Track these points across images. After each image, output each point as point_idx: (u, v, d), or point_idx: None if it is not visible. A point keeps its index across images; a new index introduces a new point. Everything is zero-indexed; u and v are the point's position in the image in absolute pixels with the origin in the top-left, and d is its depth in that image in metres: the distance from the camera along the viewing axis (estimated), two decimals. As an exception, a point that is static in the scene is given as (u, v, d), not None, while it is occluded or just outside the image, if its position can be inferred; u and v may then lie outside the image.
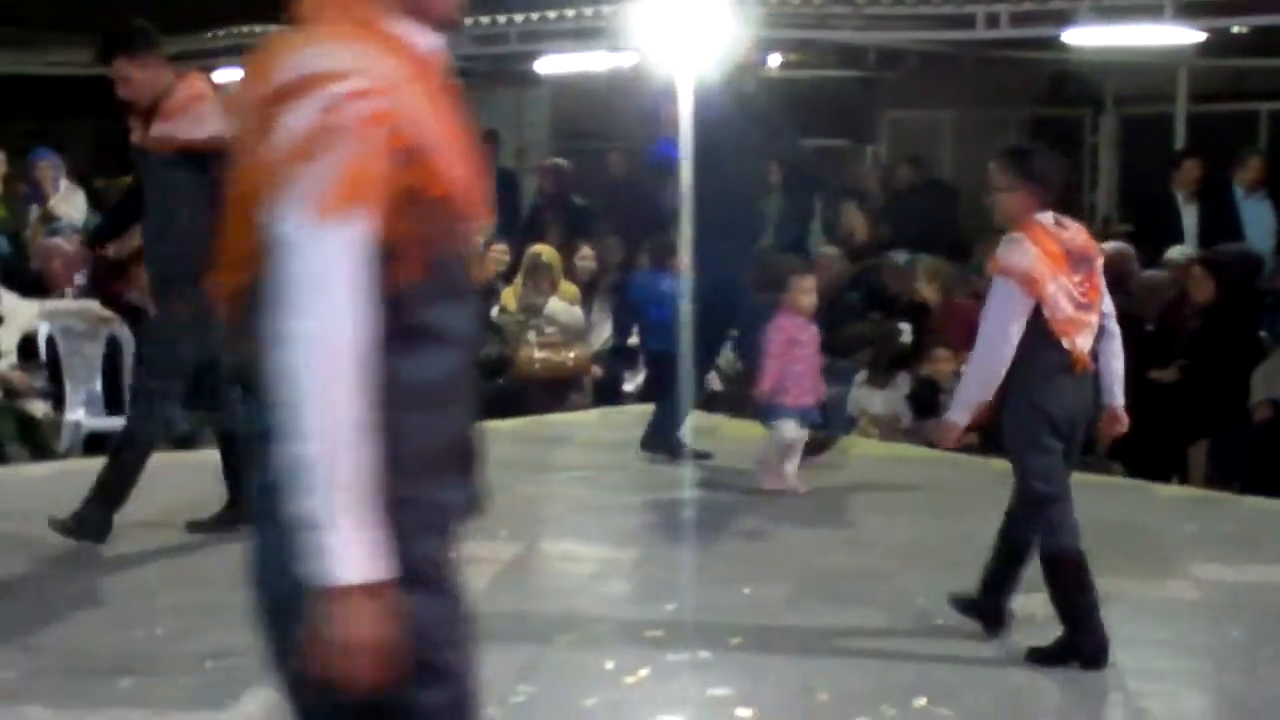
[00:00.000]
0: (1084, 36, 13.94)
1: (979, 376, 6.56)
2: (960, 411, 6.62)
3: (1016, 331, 6.43)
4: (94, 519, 8.08)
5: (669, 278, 13.38)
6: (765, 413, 9.70)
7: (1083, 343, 6.52)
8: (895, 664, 6.56)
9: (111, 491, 8.15)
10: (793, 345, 9.50)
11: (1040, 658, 6.59)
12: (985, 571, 6.93)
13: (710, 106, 10.05)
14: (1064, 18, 13.37)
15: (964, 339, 10.95)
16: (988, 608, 6.94)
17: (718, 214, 9.97)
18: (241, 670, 6.24)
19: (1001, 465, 10.42)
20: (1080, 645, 6.53)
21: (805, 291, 9.71)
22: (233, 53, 18.36)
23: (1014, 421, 6.60)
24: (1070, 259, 6.51)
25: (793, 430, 9.57)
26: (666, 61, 10.86)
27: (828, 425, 10.35)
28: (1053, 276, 6.43)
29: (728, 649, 6.68)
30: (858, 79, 19.90)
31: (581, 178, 17.70)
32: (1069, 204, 7.45)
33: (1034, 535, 6.63)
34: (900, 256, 13.10)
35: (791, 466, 9.63)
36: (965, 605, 7.02)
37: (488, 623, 6.94)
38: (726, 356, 13.25)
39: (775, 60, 19.76)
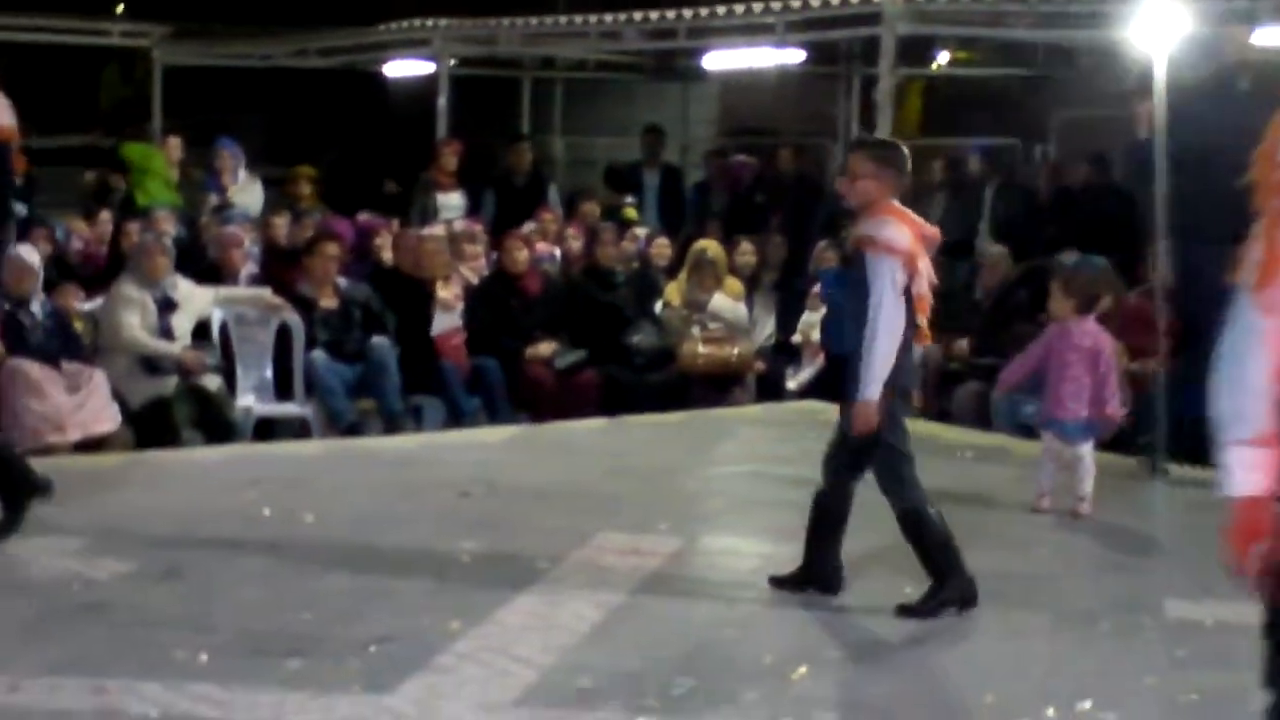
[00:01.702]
0: (1264, 36, 13.67)
1: (884, 350, 6.94)
2: (874, 388, 6.96)
3: (903, 305, 6.96)
4: None
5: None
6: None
7: (925, 320, 7.14)
8: (1059, 667, 6.49)
9: None
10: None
11: (912, 613, 7.03)
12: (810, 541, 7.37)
13: (1203, 105, 9.82)
14: (1244, 16, 13.12)
15: (1140, 337, 10.95)
16: (822, 570, 7.31)
17: (1209, 218, 9.73)
18: (404, 655, 6.34)
19: (1171, 469, 10.36)
20: (953, 591, 7.05)
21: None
22: (403, 46, 18.54)
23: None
24: (925, 243, 7.10)
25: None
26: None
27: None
28: (921, 256, 7.02)
29: (888, 647, 6.66)
30: (1027, 77, 19.72)
31: (747, 174, 17.67)
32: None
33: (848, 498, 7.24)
34: (1070, 257, 12.93)
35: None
36: (794, 581, 7.37)
37: (646, 616, 7.04)
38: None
39: (944, 58, 19.67)
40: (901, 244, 6.98)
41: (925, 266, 7.06)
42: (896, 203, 7.15)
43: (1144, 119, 10.09)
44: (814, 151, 20.76)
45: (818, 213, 16.37)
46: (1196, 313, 9.83)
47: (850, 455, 7.27)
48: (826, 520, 7.36)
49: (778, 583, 7.47)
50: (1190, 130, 9.76)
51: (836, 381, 13.00)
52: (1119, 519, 9.19)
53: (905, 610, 7.08)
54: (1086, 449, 9.19)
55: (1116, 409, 9.35)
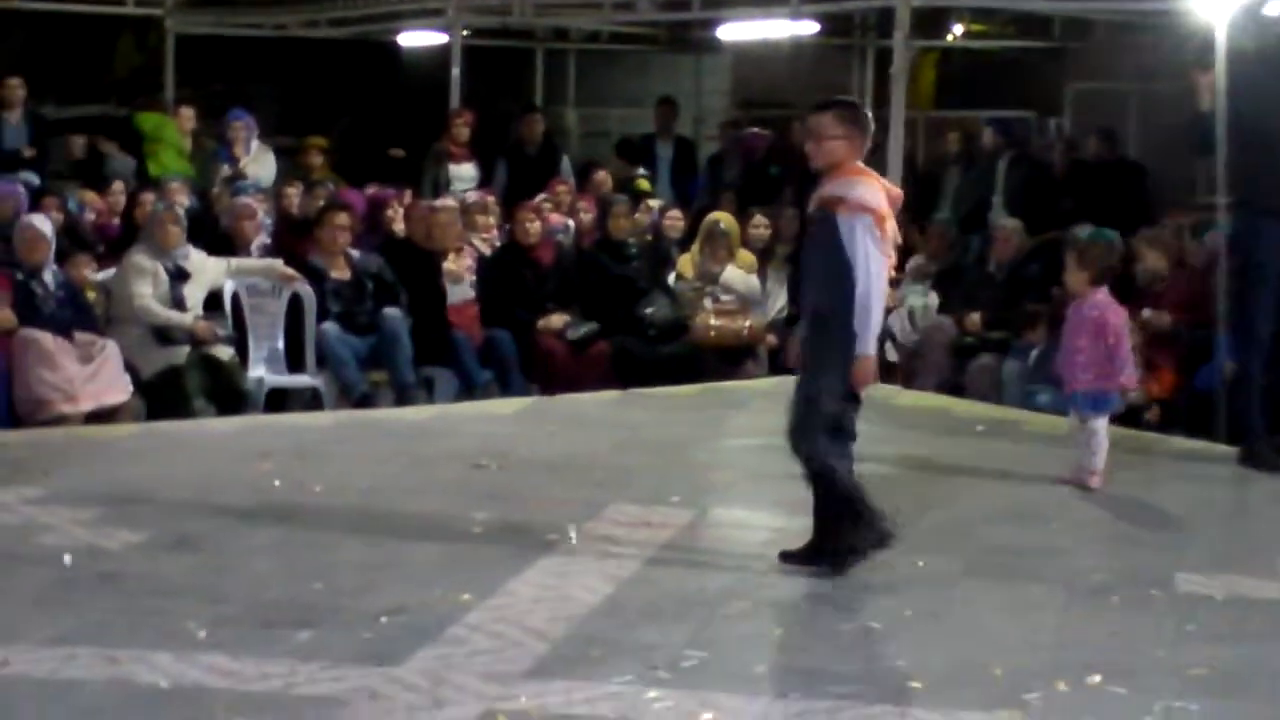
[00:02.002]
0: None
1: (877, 304, 7.08)
2: (869, 343, 7.10)
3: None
4: None
5: None
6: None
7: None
8: (1070, 640, 6.49)
9: None
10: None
11: (794, 557, 7.32)
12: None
13: (1262, 74, 9.73)
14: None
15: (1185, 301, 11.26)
16: (869, 539, 7.24)
17: (1270, 188, 9.63)
18: (415, 626, 6.34)
19: (1181, 444, 10.38)
20: (862, 542, 7.21)
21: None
22: (416, 16, 18.51)
23: (826, 343, 7.16)
24: (891, 204, 7.19)
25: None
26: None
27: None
28: (889, 217, 7.12)
29: (900, 620, 6.65)
30: (1042, 50, 19.65)
31: (761, 146, 17.62)
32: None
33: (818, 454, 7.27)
34: (1084, 230, 12.90)
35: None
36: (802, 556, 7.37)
37: (658, 589, 7.04)
38: (902, 326, 13.20)
39: (958, 30, 19.61)
40: (874, 202, 7.09)
41: (892, 227, 7.17)
42: (861, 164, 7.24)
43: (1205, 90, 9.99)
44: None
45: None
46: (1247, 284, 9.84)
47: (805, 417, 7.38)
48: (830, 487, 7.36)
49: (786, 556, 7.48)
50: (1250, 99, 9.70)
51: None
52: (1130, 492, 9.18)
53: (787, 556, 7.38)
54: (1100, 422, 9.17)
55: (1130, 380, 9.33)
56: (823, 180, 7.26)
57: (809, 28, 17.65)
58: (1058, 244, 12.70)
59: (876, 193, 7.13)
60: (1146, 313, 11.43)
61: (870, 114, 7.39)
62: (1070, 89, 19.46)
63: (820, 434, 7.30)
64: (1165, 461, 10.08)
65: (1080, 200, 14.63)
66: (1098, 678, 5.99)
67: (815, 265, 7.28)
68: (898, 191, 7.32)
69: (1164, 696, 5.86)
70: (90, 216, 13.46)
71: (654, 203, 15.01)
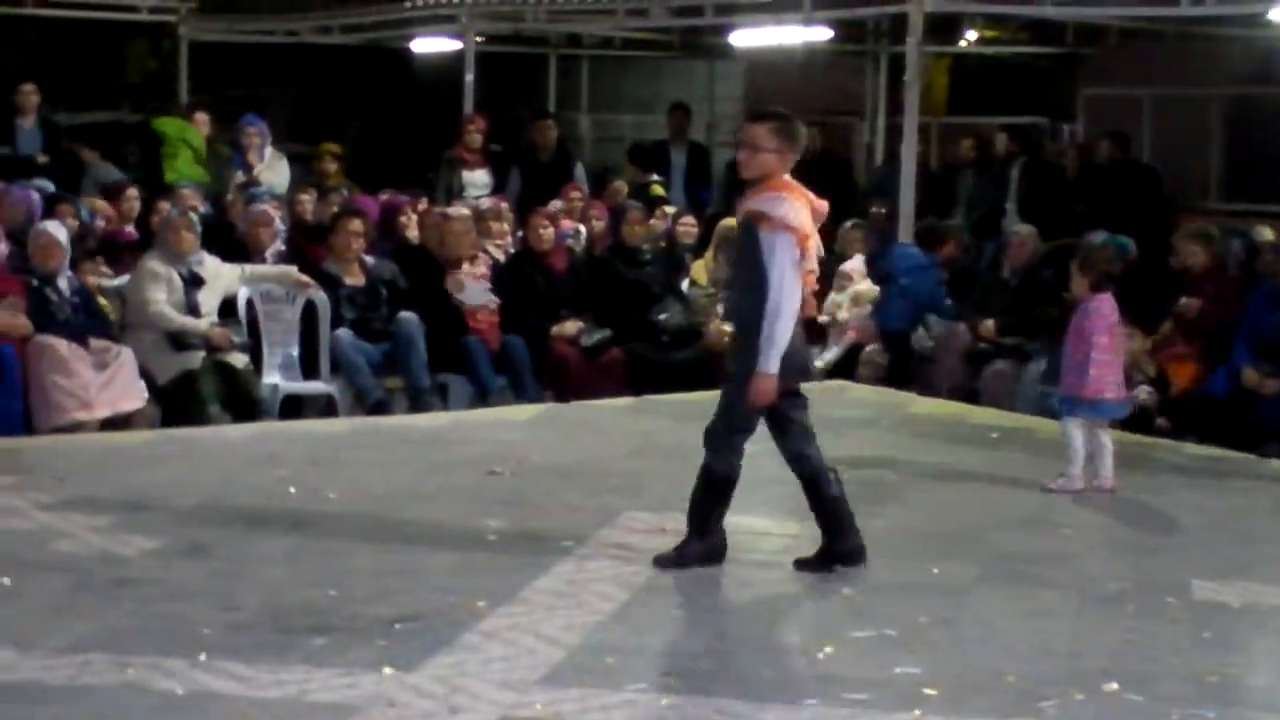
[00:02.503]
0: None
1: (783, 326, 7.16)
2: (772, 362, 7.16)
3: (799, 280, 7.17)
4: None
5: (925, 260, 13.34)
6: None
7: (810, 294, 7.42)
8: (1085, 648, 6.48)
9: None
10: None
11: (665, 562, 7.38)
12: (819, 520, 7.60)
13: None
14: None
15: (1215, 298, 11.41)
16: (844, 547, 7.49)
17: None
18: (430, 633, 6.35)
19: (1196, 451, 10.37)
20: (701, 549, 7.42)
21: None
22: (429, 22, 18.53)
23: (750, 352, 7.21)
24: (815, 217, 7.31)
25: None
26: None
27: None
28: (812, 233, 7.24)
29: (915, 627, 6.64)
30: (1055, 55, 19.65)
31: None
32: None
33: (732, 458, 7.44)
34: (1098, 236, 12.90)
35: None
36: (816, 562, 7.50)
37: (672, 597, 7.04)
38: (919, 332, 13.19)
39: (971, 36, 19.61)
40: (796, 221, 7.15)
41: (814, 243, 7.29)
42: (788, 177, 7.32)
43: None
44: (840, 130, 20.73)
45: (844, 192, 16.36)
46: None
47: (726, 421, 7.48)
48: (710, 489, 7.52)
49: (801, 564, 7.52)
50: None
51: (897, 360, 13.12)
52: (1144, 499, 9.18)
53: (659, 560, 7.43)
54: (1069, 425, 9.28)
55: (1122, 388, 9.38)
56: (750, 191, 7.34)
57: (822, 34, 17.66)
58: (1071, 249, 12.70)
59: (801, 211, 7.21)
60: (1183, 301, 11.53)
61: (802, 125, 7.49)
62: (1083, 94, 19.48)
63: (734, 434, 7.46)
64: (1178, 468, 10.07)
65: (1093, 205, 14.63)
66: (1114, 685, 5.98)
67: (742, 276, 7.38)
68: (822, 205, 7.38)
69: (1181, 704, 5.85)
70: (100, 223, 13.46)
71: (668, 209, 15.01)
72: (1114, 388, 9.29)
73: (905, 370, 13.07)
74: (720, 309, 13.25)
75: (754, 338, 7.20)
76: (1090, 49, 18.96)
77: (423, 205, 14.35)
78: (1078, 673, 6.13)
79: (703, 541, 7.47)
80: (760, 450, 10.16)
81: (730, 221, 13.88)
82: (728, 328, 13.13)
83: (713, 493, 7.48)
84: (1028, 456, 10.11)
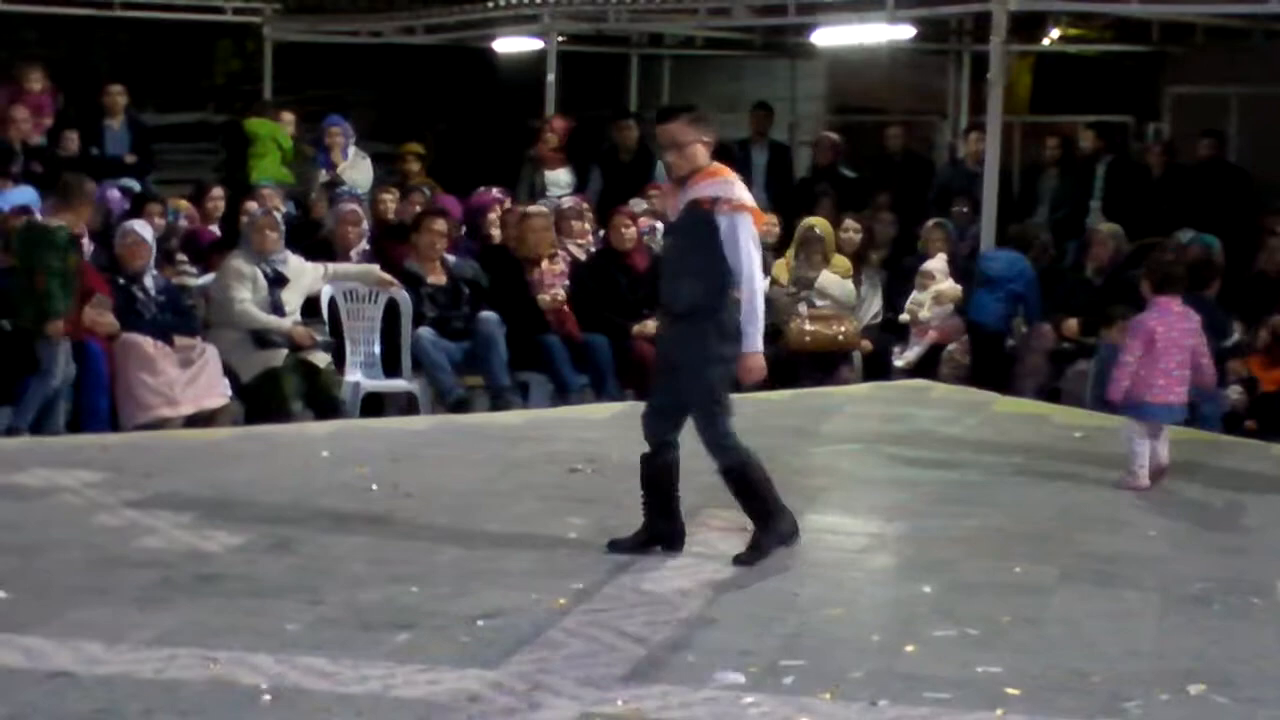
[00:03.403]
0: None
1: (760, 301, 7.31)
2: (756, 340, 7.30)
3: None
4: None
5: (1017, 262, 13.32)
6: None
7: None
8: (1169, 649, 6.43)
9: None
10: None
11: (744, 561, 7.40)
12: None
13: None
14: None
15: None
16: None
17: None
18: (512, 629, 6.37)
19: (1283, 450, 10.26)
20: (774, 536, 7.52)
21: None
22: (512, 22, 18.57)
23: (708, 346, 7.29)
24: None
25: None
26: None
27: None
28: (757, 215, 7.44)
29: (998, 627, 6.61)
30: (1140, 54, 19.49)
31: (855, 151, 17.57)
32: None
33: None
34: (1185, 235, 12.79)
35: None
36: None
37: (753, 594, 7.03)
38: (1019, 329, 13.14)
39: (1054, 34, 19.48)
40: (750, 202, 7.37)
41: (761, 219, 7.54)
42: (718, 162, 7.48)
43: None
44: (923, 129, 20.64)
45: (927, 191, 16.29)
46: None
47: (707, 416, 7.51)
48: (747, 481, 7.57)
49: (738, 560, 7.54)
50: None
51: (987, 357, 13.11)
52: (1229, 499, 9.10)
53: (739, 560, 7.44)
54: (1130, 428, 9.30)
55: (1174, 393, 9.32)
56: (690, 182, 7.37)
57: (905, 32, 17.58)
58: (1155, 248, 12.62)
59: (748, 191, 7.42)
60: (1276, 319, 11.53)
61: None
62: (1169, 93, 19.30)
63: (721, 422, 7.50)
64: (1265, 469, 9.98)
65: (1181, 204, 14.49)
66: (1199, 686, 5.94)
67: (690, 263, 7.36)
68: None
69: (1267, 706, 5.80)
70: (184, 223, 13.58)
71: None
72: (1159, 391, 9.21)
73: (994, 370, 13.03)
74: (802, 308, 13.27)
75: (710, 324, 7.30)
76: (1176, 47, 18.79)
77: (508, 204, 14.39)
78: (1162, 673, 6.08)
79: (773, 528, 7.52)
80: (841, 451, 10.19)
81: (813, 220, 13.89)
82: (810, 326, 13.23)
83: (748, 484, 7.53)
84: (1111, 456, 10.03)
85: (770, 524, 7.52)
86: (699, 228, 7.30)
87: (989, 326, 13.23)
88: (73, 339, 10.74)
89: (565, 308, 12.75)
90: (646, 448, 7.67)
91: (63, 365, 10.62)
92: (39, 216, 11.59)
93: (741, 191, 7.34)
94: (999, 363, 13.10)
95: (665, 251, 7.68)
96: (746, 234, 7.27)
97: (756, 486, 7.53)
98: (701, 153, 7.39)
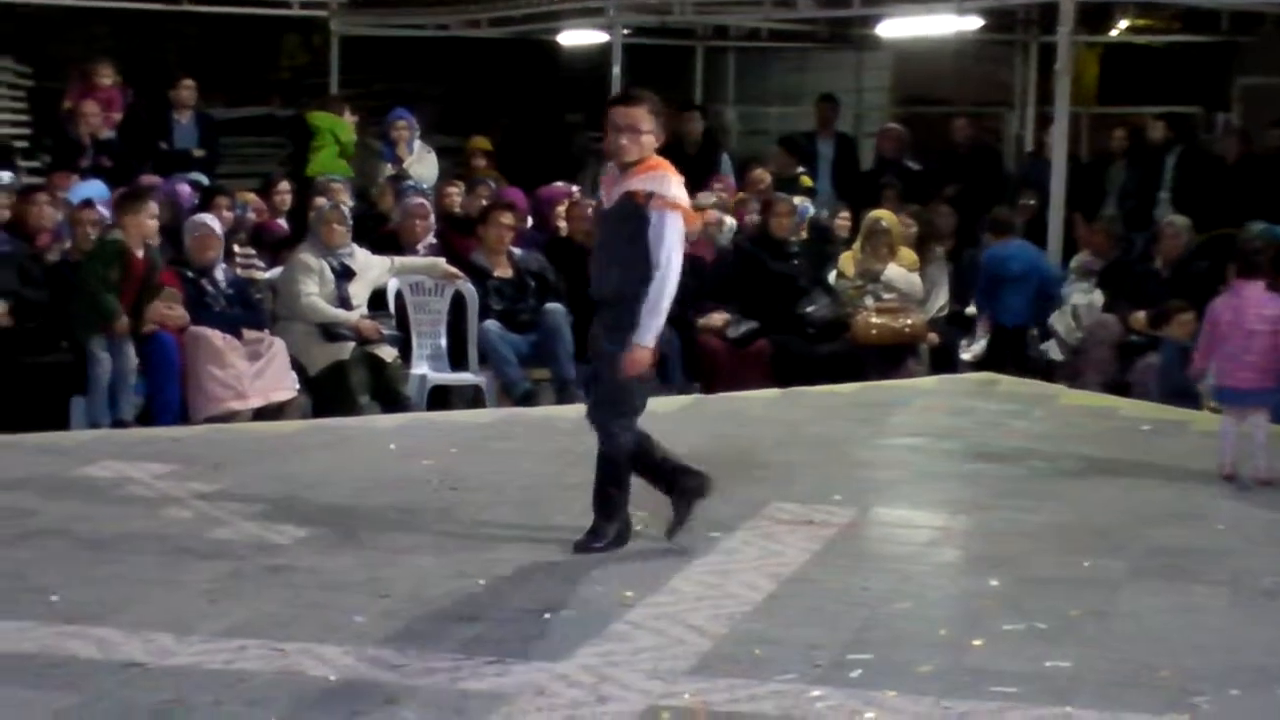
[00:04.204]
0: None
1: (668, 302, 7.31)
2: (650, 336, 7.30)
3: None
4: None
5: (1015, 250, 13.38)
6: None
7: None
8: (1239, 643, 6.38)
9: None
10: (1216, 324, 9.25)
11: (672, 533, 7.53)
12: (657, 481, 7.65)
13: None
14: None
15: None
16: (691, 484, 7.61)
17: None
18: (578, 622, 6.38)
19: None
20: (689, 496, 7.57)
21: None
22: (577, 15, 18.58)
23: (625, 335, 7.29)
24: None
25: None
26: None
27: None
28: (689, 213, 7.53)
29: (1066, 621, 6.58)
30: (1209, 44, 19.35)
31: (921, 143, 17.51)
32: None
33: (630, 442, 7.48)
34: (1256, 225, 12.68)
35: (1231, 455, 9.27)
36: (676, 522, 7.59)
37: (821, 588, 7.02)
38: (1066, 323, 13.07)
39: (1122, 24, 19.37)
40: (684, 201, 7.41)
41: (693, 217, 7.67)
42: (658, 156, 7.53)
43: None
44: (989, 120, 20.55)
45: (992, 182, 16.22)
46: None
47: (614, 401, 7.50)
48: (614, 474, 7.55)
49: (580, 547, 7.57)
50: None
51: (1005, 351, 13.15)
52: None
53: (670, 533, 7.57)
54: (1258, 418, 9.10)
55: (1194, 373, 9.30)
56: (630, 171, 7.40)
57: (972, 23, 17.52)
58: (1227, 240, 12.53)
59: (682, 189, 7.42)
60: None
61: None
62: (1239, 83, 19.16)
63: (624, 415, 7.48)
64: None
65: (1253, 195, 14.37)
66: (1270, 682, 5.89)
67: (622, 253, 7.37)
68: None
69: (1341, 704, 5.76)
70: (251, 216, 13.66)
71: (797, 200, 14.74)
72: (1223, 375, 9.19)
73: (1022, 365, 13.09)
74: (868, 301, 13.23)
75: (625, 313, 7.34)
76: (1246, 36, 18.65)
77: (574, 197, 14.41)
78: (1233, 668, 6.04)
79: (614, 519, 7.55)
80: (908, 445, 10.16)
81: (879, 213, 13.85)
82: (876, 319, 13.20)
83: (614, 477, 7.54)
84: (1180, 450, 9.98)
85: (612, 515, 7.55)
86: (630, 220, 7.35)
87: (1013, 323, 13.40)
88: (131, 333, 10.85)
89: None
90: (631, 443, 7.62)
91: (108, 356, 10.70)
92: (104, 211, 11.71)
93: (677, 189, 7.36)
94: (1024, 359, 13.26)
95: (597, 239, 7.68)
96: (673, 232, 7.29)
97: (620, 483, 7.55)
98: (650, 143, 7.43)
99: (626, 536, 7.58)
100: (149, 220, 11.13)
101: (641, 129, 7.39)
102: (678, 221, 7.33)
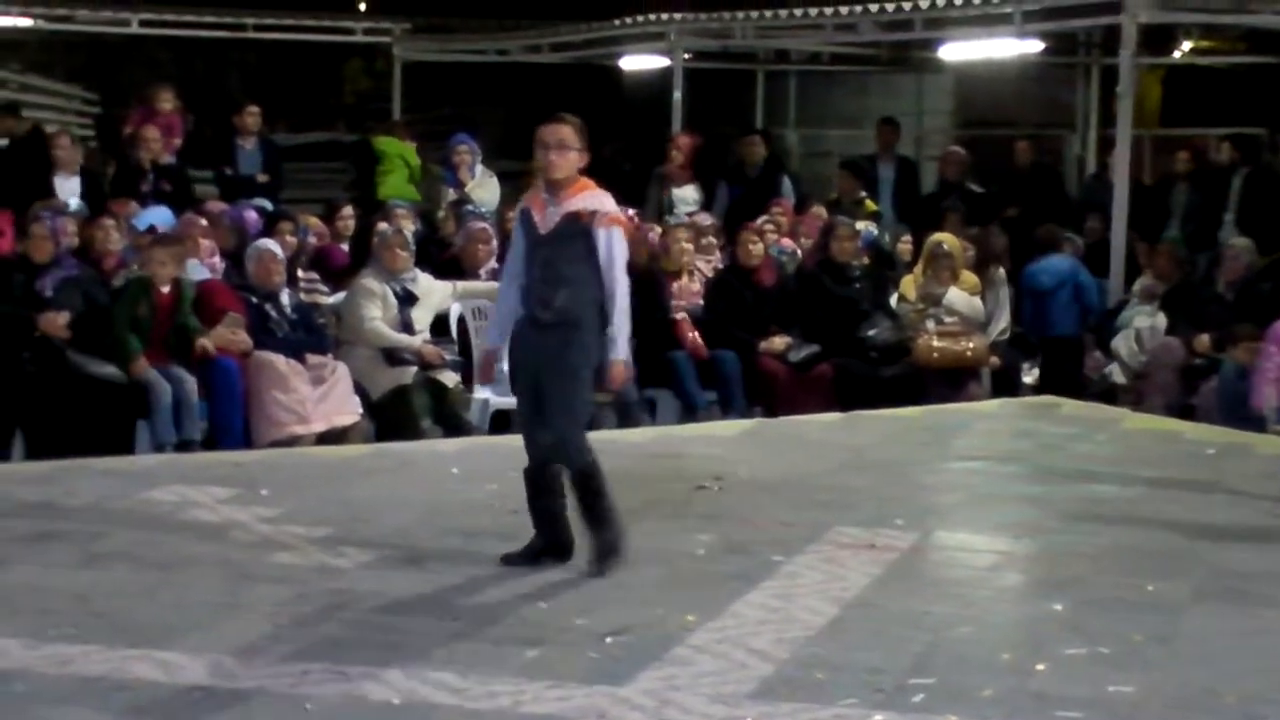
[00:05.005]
0: None
1: (627, 315, 7.51)
2: (624, 350, 7.49)
3: None
4: None
5: (1047, 264, 13.45)
6: None
7: None
8: (1305, 668, 6.35)
9: None
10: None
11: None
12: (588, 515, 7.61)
13: None
14: None
15: None
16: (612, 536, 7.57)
17: None
18: (640, 646, 6.39)
19: None
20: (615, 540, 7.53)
21: None
22: (638, 40, 18.63)
23: (581, 353, 7.43)
24: None
25: None
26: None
27: None
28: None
29: (1129, 645, 6.55)
30: (1274, 65, 19.26)
31: (982, 166, 17.46)
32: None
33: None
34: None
35: None
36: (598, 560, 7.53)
37: (882, 611, 7.00)
38: (1129, 347, 13.01)
39: (1185, 46, 19.30)
40: (622, 216, 7.63)
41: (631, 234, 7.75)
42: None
43: None
44: (1051, 143, 20.50)
45: (1054, 204, 16.16)
46: None
47: (576, 418, 7.57)
48: (595, 488, 7.58)
49: (508, 559, 7.64)
50: None
51: (1058, 365, 13.19)
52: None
53: (592, 572, 7.46)
54: None
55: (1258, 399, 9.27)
56: (562, 191, 7.52)
57: (1033, 46, 17.48)
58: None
59: (617, 206, 7.62)
60: None
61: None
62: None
63: (577, 430, 7.56)
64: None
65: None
66: (1335, 707, 5.86)
67: (570, 274, 7.46)
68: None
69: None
70: (313, 240, 13.74)
71: (860, 224, 14.72)
72: None
73: (1076, 379, 13.14)
74: (929, 324, 13.20)
75: (583, 333, 7.45)
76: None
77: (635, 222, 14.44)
78: (1298, 694, 6.01)
79: (614, 531, 7.56)
80: (970, 468, 10.14)
81: (941, 236, 13.82)
82: (938, 343, 13.16)
83: (596, 491, 7.57)
84: (1244, 473, 9.92)
85: (612, 527, 7.56)
86: (577, 240, 7.46)
87: (1062, 334, 13.61)
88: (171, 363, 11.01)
89: (689, 327, 12.78)
90: (528, 462, 7.76)
91: (163, 381, 10.80)
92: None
93: (613, 206, 7.57)
94: (1075, 372, 13.37)
95: (538, 261, 7.69)
96: (620, 249, 7.48)
97: (603, 494, 7.57)
98: (576, 162, 7.56)
99: (624, 542, 7.60)
100: (177, 257, 11.25)
101: (569, 146, 7.54)
102: (622, 236, 7.53)
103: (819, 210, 15.59)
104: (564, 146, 7.53)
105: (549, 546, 7.68)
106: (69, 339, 10.94)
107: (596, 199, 7.52)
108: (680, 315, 12.85)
